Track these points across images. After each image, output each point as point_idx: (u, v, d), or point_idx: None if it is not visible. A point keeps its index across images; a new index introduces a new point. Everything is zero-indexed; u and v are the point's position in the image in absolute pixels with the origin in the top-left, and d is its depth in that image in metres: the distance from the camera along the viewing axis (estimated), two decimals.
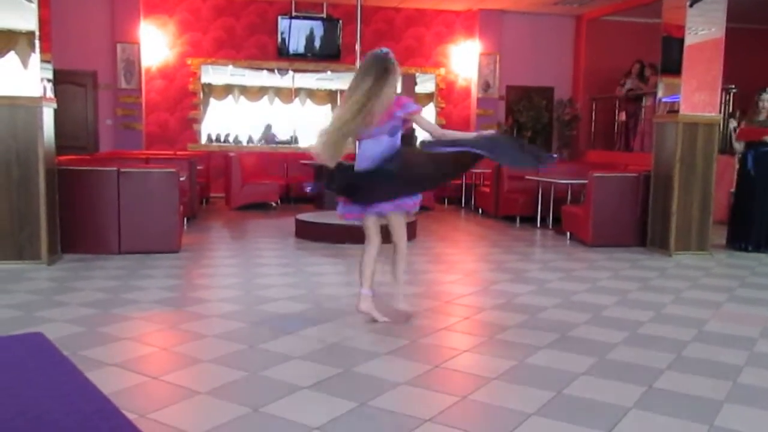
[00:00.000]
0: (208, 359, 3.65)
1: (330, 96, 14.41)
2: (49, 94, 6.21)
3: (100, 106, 12.22)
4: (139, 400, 3.10)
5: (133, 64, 12.03)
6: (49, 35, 6.30)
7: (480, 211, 11.09)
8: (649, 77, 12.36)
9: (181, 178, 7.16)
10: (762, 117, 7.59)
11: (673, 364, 3.72)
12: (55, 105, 6.31)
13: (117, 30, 11.96)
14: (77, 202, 6.61)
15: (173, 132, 12.66)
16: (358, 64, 8.97)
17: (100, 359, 3.60)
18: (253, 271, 6.08)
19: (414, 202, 4.38)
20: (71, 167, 6.78)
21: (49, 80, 6.22)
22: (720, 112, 7.74)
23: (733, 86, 10.37)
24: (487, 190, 10.70)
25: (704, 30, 7.21)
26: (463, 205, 11.98)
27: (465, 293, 5.45)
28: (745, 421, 2.98)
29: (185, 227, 8.09)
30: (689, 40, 7.19)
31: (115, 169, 6.75)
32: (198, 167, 10.04)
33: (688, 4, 7.11)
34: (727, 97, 10.39)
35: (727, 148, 9.33)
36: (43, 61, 6.05)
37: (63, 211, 6.43)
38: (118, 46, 11.95)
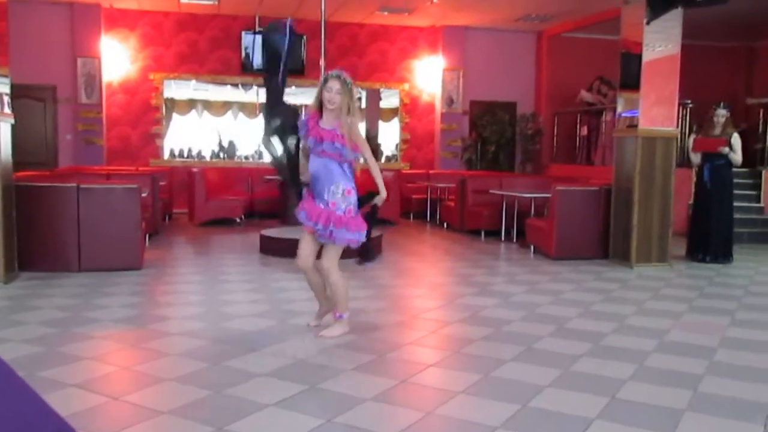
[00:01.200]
0: (171, 378, 3.59)
1: None
2: (7, 109, 6.08)
3: (60, 121, 12.02)
4: (99, 422, 3.03)
5: (94, 79, 11.87)
6: (7, 48, 6.19)
7: (445, 225, 11.14)
8: (606, 93, 12.66)
9: (143, 194, 7.07)
10: (717, 131, 7.76)
11: (635, 375, 3.78)
12: (12, 120, 6.18)
13: (77, 44, 11.80)
14: (36, 218, 6.46)
15: (135, 147, 12.50)
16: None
17: (59, 380, 3.51)
18: (217, 288, 6.01)
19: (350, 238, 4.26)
20: (29, 183, 6.64)
21: (6, 94, 6.10)
22: (677, 126, 7.93)
23: (690, 101, 10.63)
24: (452, 204, 10.76)
25: (661, 46, 7.40)
26: (428, 219, 12.03)
27: (431, 307, 5.46)
28: (705, 430, 3.04)
29: (147, 244, 7.97)
30: (647, 56, 7.37)
31: (74, 184, 6.62)
32: (161, 183, 9.89)
33: (645, 21, 7.30)
34: (684, 112, 10.65)
35: (685, 162, 9.55)
36: None
37: (21, 228, 6.28)
38: (79, 60, 11.79)
